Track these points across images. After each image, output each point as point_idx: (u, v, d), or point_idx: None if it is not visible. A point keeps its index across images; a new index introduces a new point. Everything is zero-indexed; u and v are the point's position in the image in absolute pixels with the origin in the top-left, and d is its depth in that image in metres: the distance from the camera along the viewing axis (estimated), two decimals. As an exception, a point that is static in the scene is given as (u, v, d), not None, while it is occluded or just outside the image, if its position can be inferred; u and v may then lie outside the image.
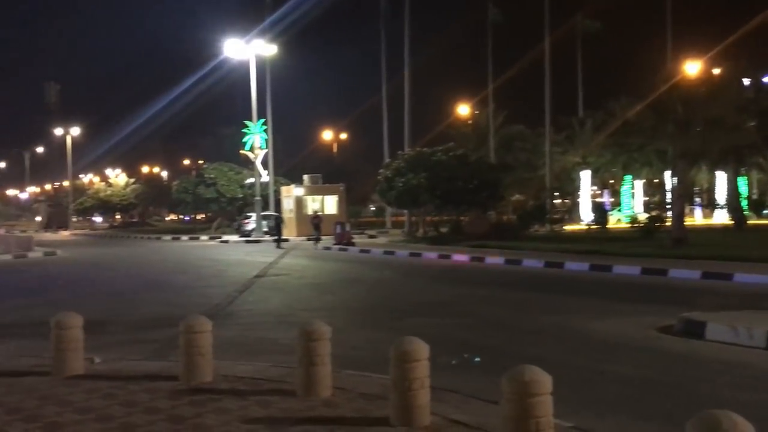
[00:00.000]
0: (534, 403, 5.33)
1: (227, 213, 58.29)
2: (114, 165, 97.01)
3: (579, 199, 56.95)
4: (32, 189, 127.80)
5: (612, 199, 59.73)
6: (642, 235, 32.20)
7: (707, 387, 8.28)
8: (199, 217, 79.62)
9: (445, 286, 19.41)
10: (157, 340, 11.54)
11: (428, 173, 36.61)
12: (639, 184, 59.29)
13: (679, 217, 29.33)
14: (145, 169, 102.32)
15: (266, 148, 50.54)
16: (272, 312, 14.65)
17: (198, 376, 8.00)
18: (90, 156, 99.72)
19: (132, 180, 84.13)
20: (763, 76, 46.21)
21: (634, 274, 20.73)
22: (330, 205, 47.86)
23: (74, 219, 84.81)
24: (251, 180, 52.68)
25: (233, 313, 14.43)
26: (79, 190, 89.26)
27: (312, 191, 49.41)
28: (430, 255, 29.08)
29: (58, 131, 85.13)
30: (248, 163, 54.28)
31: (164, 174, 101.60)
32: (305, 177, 50.69)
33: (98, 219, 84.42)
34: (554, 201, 58.29)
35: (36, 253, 35.03)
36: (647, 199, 60.57)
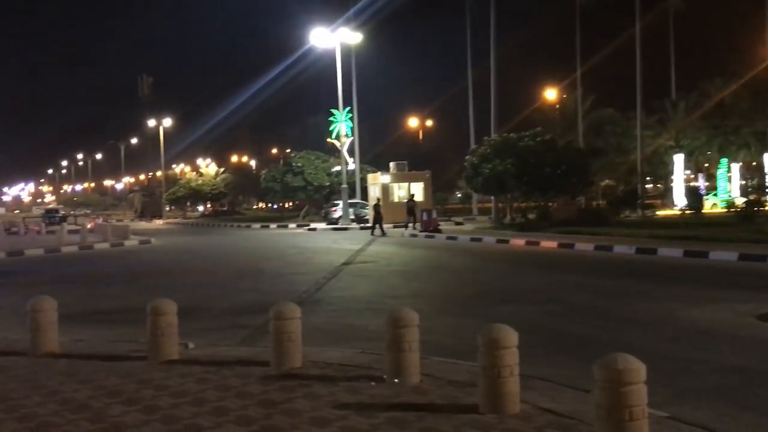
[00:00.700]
0: (628, 391, 5.19)
1: (314, 201, 58.96)
2: (204, 155, 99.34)
3: (672, 184, 55.34)
4: (127, 179, 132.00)
5: (707, 183, 57.87)
6: (739, 220, 31.10)
7: (811, 377, 7.94)
8: (287, 205, 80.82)
9: (533, 272, 19.18)
10: (248, 326, 11.75)
11: (515, 159, 36.18)
12: (735, 167, 57.26)
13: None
14: (234, 159, 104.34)
15: (352, 135, 50.86)
16: (360, 299, 14.74)
17: (288, 361, 8.10)
18: (181, 146, 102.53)
19: (222, 169, 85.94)
20: None
21: (731, 260, 20.04)
22: (416, 192, 47.80)
23: (167, 208, 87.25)
24: (338, 168, 53.11)
25: (321, 300, 14.58)
26: (172, 180, 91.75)
27: (398, 178, 49.45)
28: (518, 241, 28.77)
29: (151, 123, 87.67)
30: (335, 151, 54.78)
31: (253, 163, 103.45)
32: (391, 164, 50.78)
33: (200, 208, 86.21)
34: (646, 186, 56.88)
35: (132, 242, 36.14)
36: (744, 182, 58.45)
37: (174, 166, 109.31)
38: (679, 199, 48.12)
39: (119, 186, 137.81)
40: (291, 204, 77.79)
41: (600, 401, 5.28)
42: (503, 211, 43.95)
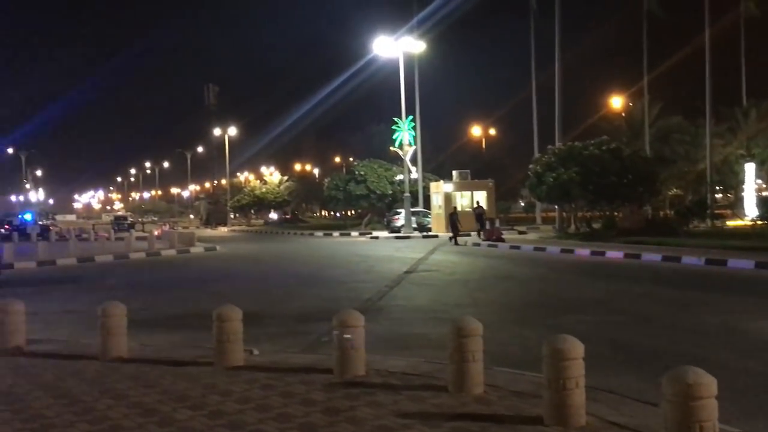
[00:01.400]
0: (697, 406, 5.07)
1: (377, 209, 59.12)
2: (268, 163, 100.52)
3: (743, 193, 53.93)
4: (193, 187, 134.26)
5: (779, 193, 56.20)
6: (813, 231, 30.15)
7: None
8: (349, 213, 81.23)
9: (598, 283, 18.89)
10: (311, 334, 11.83)
11: (580, 168, 35.73)
12: (809, 176, 55.57)
13: None
14: (297, 167, 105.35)
15: (415, 144, 50.89)
16: (422, 308, 14.71)
17: (351, 369, 8.13)
18: (246, 155, 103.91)
19: (285, 178, 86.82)
20: None
21: (804, 272, 19.43)
22: (479, 200, 47.56)
23: (232, 216, 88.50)
24: (400, 176, 53.21)
25: (384, 308, 14.59)
26: (236, 188, 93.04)
27: (461, 187, 49.29)
28: (583, 251, 28.38)
29: (217, 132, 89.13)
30: (397, 160, 54.91)
31: (316, 171, 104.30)
32: (454, 173, 50.65)
33: (274, 216, 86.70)
34: (715, 195, 55.57)
35: (197, 249, 36.76)
36: (818, 192, 56.66)
37: (239, 174, 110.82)
38: (750, 209, 46.81)
39: (185, 194, 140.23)
40: (353, 212, 78.17)
41: (669, 415, 5.17)
42: (567, 221, 43.42)
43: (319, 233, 54.14)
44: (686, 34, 50.72)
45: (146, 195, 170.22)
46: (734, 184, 57.17)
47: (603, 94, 62.76)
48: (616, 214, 39.54)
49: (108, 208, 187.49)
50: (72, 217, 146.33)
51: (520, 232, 44.32)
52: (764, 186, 58.33)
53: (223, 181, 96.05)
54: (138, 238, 42.47)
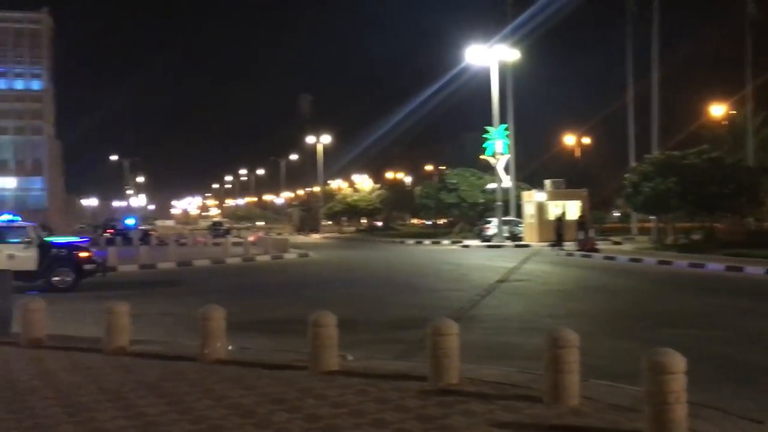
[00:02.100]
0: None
1: (468, 218, 58.86)
2: (360, 171, 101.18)
3: None
4: (287, 194, 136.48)
5: None
6: None
7: None
8: (440, 221, 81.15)
9: (697, 295, 18.34)
10: (404, 341, 11.88)
11: (678, 177, 34.76)
12: None
13: None
14: (389, 175, 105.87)
15: (507, 153, 50.46)
16: (515, 317, 14.59)
17: (445, 377, 8.13)
18: (339, 163, 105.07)
19: (377, 185, 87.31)
20: None
21: None
22: (572, 210, 46.82)
23: (324, 223, 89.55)
24: (492, 185, 52.80)
25: (476, 317, 14.53)
26: (329, 195, 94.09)
27: (554, 196, 48.62)
28: (681, 263, 27.59)
29: (311, 140, 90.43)
30: (489, 169, 54.49)
31: (407, 179, 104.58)
32: (547, 182, 50.00)
33: (379, 223, 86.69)
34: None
35: (291, 255, 37.35)
36: None
37: (331, 181, 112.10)
38: None
39: (279, 201, 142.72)
40: (445, 220, 78.04)
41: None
42: (664, 232, 42.28)
43: (410, 241, 54.27)
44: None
45: (241, 201, 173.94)
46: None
47: (703, 102, 60.86)
48: (716, 225, 38.31)
49: (204, 214, 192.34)
50: (170, 223, 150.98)
51: (615, 243, 43.39)
52: None
53: (316, 189, 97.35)
54: (234, 244, 43.44)
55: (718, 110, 59.20)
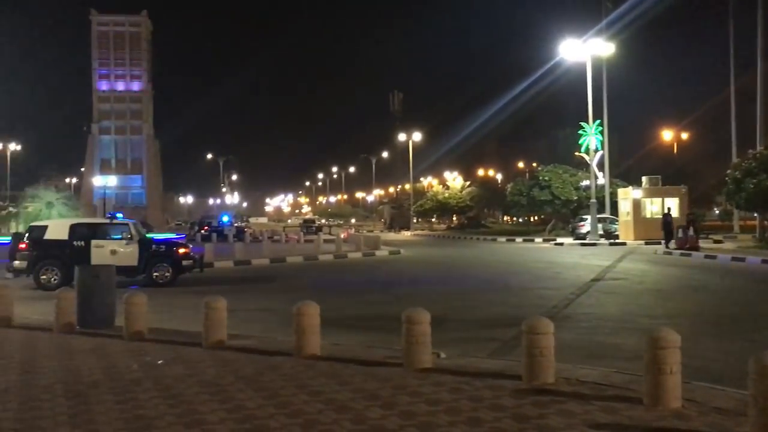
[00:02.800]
0: None
1: (561, 215, 58.02)
2: (451, 168, 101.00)
3: None
4: (377, 192, 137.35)
5: None
6: None
7: None
8: (532, 219, 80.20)
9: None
10: (497, 339, 11.78)
11: (785, 173, 33.38)
12: None
13: None
14: (480, 172, 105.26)
15: (602, 149, 49.51)
16: (611, 317, 14.28)
17: (540, 377, 8.01)
18: (429, 160, 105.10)
19: (468, 183, 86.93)
20: None
21: None
22: (672, 207, 45.56)
23: (414, 220, 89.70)
24: (586, 182, 51.93)
25: (571, 316, 14.29)
26: (419, 193, 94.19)
27: (651, 193, 47.42)
28: (786, 262, 26.52)
29: (401, 137, 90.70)
30: (583, 165, 53.63)
31: (498, 176, 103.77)
32: (644, 179, 48.79)
33: (465, 220, 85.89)
34: None
35: (382, 252, 37.54)
36: None
37: (422, 179, 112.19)
38: None
39: (370, 198, 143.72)
40: (537, 218, 77.07)
41: None
42: (769, 230, 40.68)
43: (502, 239, 53.83)
44: None
45: (332, 199, 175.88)
46: None
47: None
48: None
49: (297, 211, 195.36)
50: (263, 220, 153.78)
51: (716, 241, 41.98)
52: None
53: (407, 186, 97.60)
54: (325, 241, 43.95)
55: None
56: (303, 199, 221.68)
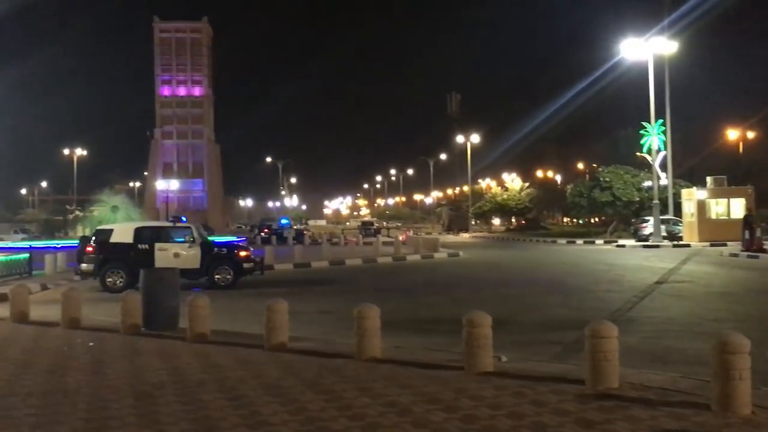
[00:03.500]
0: None
1: (623, 217, 57.12)
2: (510, 169, 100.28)
3: None
4: (435, 194, 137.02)
5: None
6: None
7: None
8: (593, 220, 79.17)
9: None
10: (559, 342, 11.64)
11: None
12: None
13: None
14: (539, 173, 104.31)
15: (665, 149, 48.62)
16: (676, 320, 14.00)
17: (604, 381, 7.90)
18: (487, 161, 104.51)
19: (527, 184, 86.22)
20: None
21: None
22: (736, 209, 44.49)
23: (473, 222, 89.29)
24: (648, 183, 51.03)
25: (634, 320, 14.05)
26: (478, 195, 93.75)
27: (716, 194, 46.36)
28: None
29: (459, 139, 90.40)
30: (645, 166, 52.73)
31: (558, 178, 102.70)
32: (708, 179, 47.73)
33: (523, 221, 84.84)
34: None
35: (441, 254, 37.43)
36: None
37: (480, 180, 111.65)
38: None
39: (428, 200, 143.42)
40: (597, 219, 76.00)
41: None
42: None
43: (562, 241, 53.24)
44: None
45: (390, 201, 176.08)
46: None
47: None
48: None
49: (355, 213, 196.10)
50: (322, 222, 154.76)
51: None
52: None
53: (465, 188, 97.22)
54: (384, 243, 44.02)
55: None
56: (361, 202, 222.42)
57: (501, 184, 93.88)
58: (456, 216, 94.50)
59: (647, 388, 7.92)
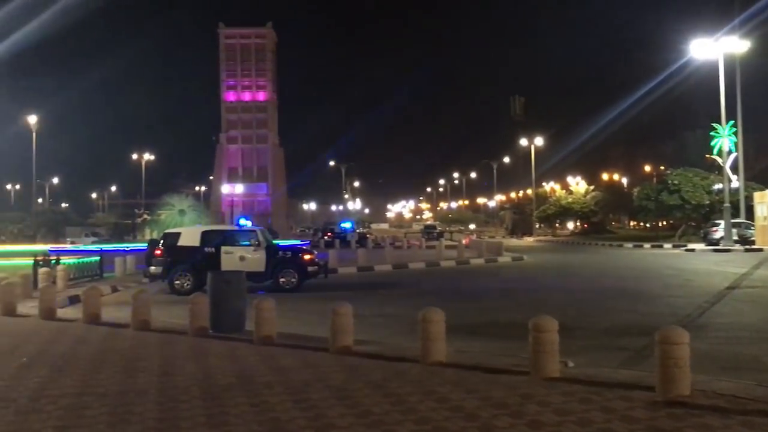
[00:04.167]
0: None
1: (692, 220, 55.95)
2: (574, 173, 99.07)
3: None
4: (499, 197, 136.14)
5: None
6: None
7: None
8: (661, 224, 77.74)
9: None
10: (627, 348, 11.45)
11: None
12: None
13: None
14: (604, 176, 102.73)
15: (736, 151, 47.47)
16: (750, 326, 13.64)
17: (675, 388, 7.74)
18: (551, 164, 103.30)
19: (591, 187, 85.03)
20: None
21: None
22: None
23: (537, 226, 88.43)
24: (719, 186, 49.93)
25: (705, 326, 13.73)
26: (542, 198, 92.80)
27: (789, 196, 45.05)
28: None
29: (523, 142, 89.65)
30: (715, 168, 51.60)
31: (624, 181, 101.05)
32: (782, 181, 46.45)
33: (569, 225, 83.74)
34: None
35: (505, 258, 37.16)
36: None
37: (544, 183, 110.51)
38: None
39: (491, 203, 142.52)
40: (665, 223, 74.57)
41: None
42: None
43: (628, 244, 52.36)
44: None
45: (453, 205, 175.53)
46: None
47: None
48: None
49: (417, 217, 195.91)
50: (384, 226, 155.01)
51: None
52: None
53: (529, 191, 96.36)
54: (447, 247, 43.90)
55: None
56: (424, 205, 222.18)
57: (565, 187, 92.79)
58: (520, 219, 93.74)
59: (719, 395, 7.74)
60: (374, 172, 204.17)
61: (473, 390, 8.21)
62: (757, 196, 47.18)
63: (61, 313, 16.18)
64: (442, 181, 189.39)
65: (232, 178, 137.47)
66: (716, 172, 51.68)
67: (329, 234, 63.81)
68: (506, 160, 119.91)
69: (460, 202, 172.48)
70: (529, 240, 74.38)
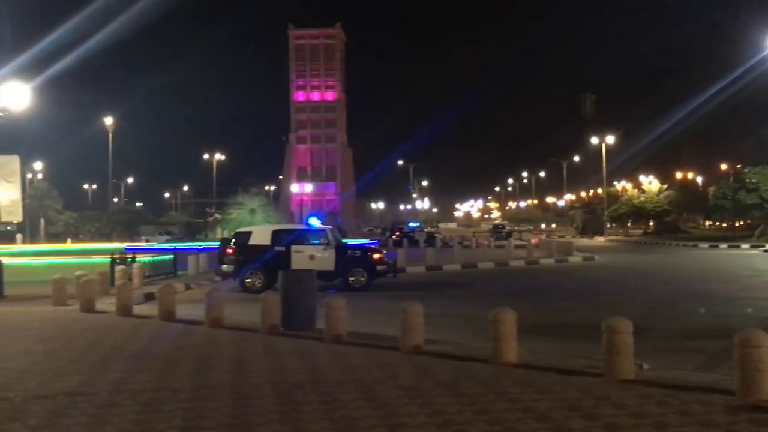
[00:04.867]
0: None
1: (771, 220, 54.33)
2: (647, 171, 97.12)
3: None
4: (568, 196, 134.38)
5: None
6: None
7: None
8: (738, 224, 75.68)
9: None
10: (704, 351, 11.20)
11: None
12: None
13: None
14: (678, 175, 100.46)
15: (817, 148, 45.90)
16: (833, 330, 13.16)
17: (755, 393, 7.52)
18: (623, 162, 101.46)
19: (665, 186, 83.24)
20: None
21: None
22: None
23: (608, 225, 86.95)
24: (799, 184, 48.35)
25: (786, 329, 13.30)
26: (613, 197, 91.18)
27: None
28: None
29: (594, 140, 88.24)
30: (795, 166, 49.99)
31: (699, 179, 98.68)
32: None
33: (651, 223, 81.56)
34: None
35: (575, 258, 36.66)
36: None
37: (615, 182, 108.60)
38: None
39: (560, 203, 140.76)
40: (742, 223, 72.54)
41: None
42: None
43: (704, 245, 51.13)
44: None
45: (522, 204, 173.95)
46: None
47: None
48: None
49: (486, 216, 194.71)
50: (453, 225, 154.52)
51: None
52: None
53: (599, 190, 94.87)
54: (516, 247, 43.51)
55: None
56: (492, 204, 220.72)
57: (637, 186, 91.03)
58: (590, 219, 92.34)
59: (803, 401, 7.49)
60: (442, 171, 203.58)
61: (546, 391, 8.13)
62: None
63: (137, 309, 16.56)
64: (510, 180, 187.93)
65: (301, 178, 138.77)
66: (797, 171, 50.09)
67: (397, 233, 63.87)
68: (576, 158, 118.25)
69: (529, 202, 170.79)
70: (600, 240, 73.22)
